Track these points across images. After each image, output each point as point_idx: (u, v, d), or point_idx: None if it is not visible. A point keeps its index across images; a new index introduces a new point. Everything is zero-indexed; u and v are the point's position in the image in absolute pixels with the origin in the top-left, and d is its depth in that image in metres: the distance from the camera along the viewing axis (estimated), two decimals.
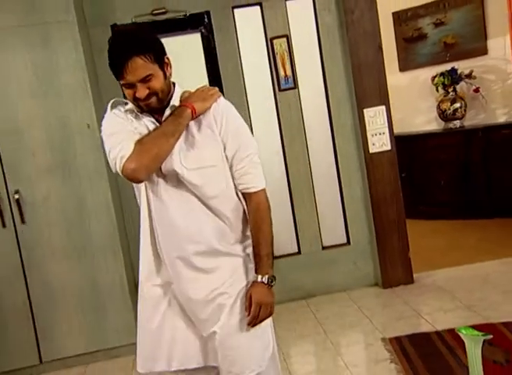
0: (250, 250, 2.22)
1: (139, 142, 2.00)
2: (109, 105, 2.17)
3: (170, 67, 2.10)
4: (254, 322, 2.12)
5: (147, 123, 2.10)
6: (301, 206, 4.83)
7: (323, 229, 4.88)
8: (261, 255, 2.15)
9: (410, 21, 6.87)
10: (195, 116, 2.06)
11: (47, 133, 4.06)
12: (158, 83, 2.01)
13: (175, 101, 2.10)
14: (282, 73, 4.69)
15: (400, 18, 6.84)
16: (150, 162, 1.98)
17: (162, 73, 2.04)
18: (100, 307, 4.20)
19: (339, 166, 4.82)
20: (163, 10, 4.49)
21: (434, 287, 4.68)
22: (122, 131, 2.06)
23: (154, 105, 2.05)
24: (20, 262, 4.11)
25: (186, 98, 2.11)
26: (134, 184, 2.17)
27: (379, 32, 4.61)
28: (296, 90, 4.73)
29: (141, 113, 2.10)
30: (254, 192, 2.19)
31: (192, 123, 2.08)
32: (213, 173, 2.10)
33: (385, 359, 3.63)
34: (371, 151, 4.66)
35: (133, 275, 4.39)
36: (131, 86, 1.99)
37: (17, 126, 4.03)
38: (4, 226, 4.07)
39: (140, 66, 1.95)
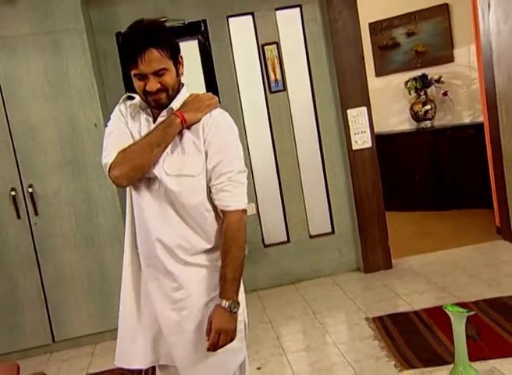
0: (219, 263, 1.97)
1: (124, 151, 1.87)
2: (121, 98, 2.03)
3: (183, 66, 1.94)
4: (212, 348, 1.89)
5: (143, 120, 1.96)
6: (290, 199, 4.84)
7: (310, 219, 4.89)
8: (227, 278, 1.90)
9: (384, 31, 6.89)
10: (185, 126, 1.89)
11: (58, 132, 4.03)
12: (170, 79, 1.86)
13: (176, 102, 1.93)
14: (272, 76, 4.68)
15: (375, 28, 6.85)
16: (131, 172, 1.85)
17: (175, 71, 1.88)
18: (107, 291, 4.17)
19: (325, 161, 4.83)
20: (164, 19, 4.45)
21: (410, 272, 4.71)
22: (116, 133, 1.94)
23: (163, 101, 1.89)
24: (34, 251, 4.08)
25: (183, 106, 1.92)
26: None
27: (361, 40, 4.63)
28: (286, 92, 4.73)
29: (143, 109, 1.96)
30: (229, 211, 1.93)
31: (185, 131, 1.92)
32: (192, 183, 1.90)
33: (369, 337, 3.65)
34: (353, 148, 4.67)
35: None
36: (143, 77, 1.83)
37: (31, 126, 4.00)
38: (19, 217, 4.04)
39: (156, 58, 1.80)
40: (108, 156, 1.89)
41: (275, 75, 4.68)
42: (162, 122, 1.90)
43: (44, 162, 4.03)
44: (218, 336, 1.87)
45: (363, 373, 3.22)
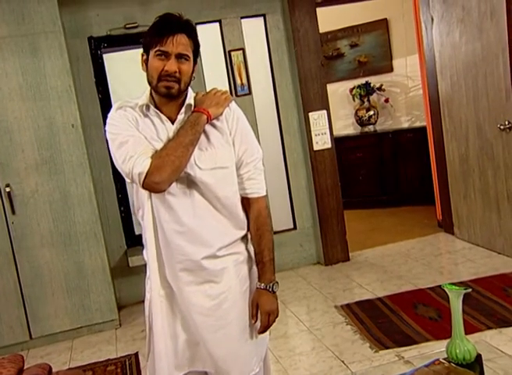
0: (250, 248, 1.96)
1: (159, 156, 1.73)
2: (116, 104, 1.88)
3: (194, 71, 1.85)
4: (264, 330, 1.90)
5: (157, 122, 1.83)
6: None
7: (273, 216, 4.79)
8: (265, 261, 1.89)
9: (330, 42, 7.02)
10: (210, 121, 1.82)
11: (35, 132, 3.89)
12: (187, 70, 1.78)
13: (190, 99, 1.85)
14: (238, 81, 4.67)
15: (321, 39, 6.92)
16: (171, 175, 1.73)
17: (192, 66, 1.81)
18: (84, 287, 4.05)
19: (287, 161, 4.85)
20: (135, 24, 4.37)
21: (367, 263, 4.81)
22: (133, 140, 1.77)
23: (174, 92, 1.78)
24: (11, 249, 3.90)
25: (200, 103, 1.83)
26: (135, 191, 1.90)
27: (320, 48, 4.70)
28: (251, 96, 4.72)
29: (149, 110, 1.83)
30: (256, 198, 1.91)
31: (206, 126, 1.83)
32: (225, 174, 1.85)
33: (341, 322, 3.70)
34: (314, 149, 4.71)
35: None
36: (165, 56, 1.75)
37: (8, 126, 3.84)
38: None
39: (184, 43, 1.76)
40: (139, 165, 1.72)
41: (241, 79, 4.67)
42: (187, 120, 1.80)
43: (21, 162, 3.87)
44: (268, 318, 1.88)
45: (342, 355, 3.25)
